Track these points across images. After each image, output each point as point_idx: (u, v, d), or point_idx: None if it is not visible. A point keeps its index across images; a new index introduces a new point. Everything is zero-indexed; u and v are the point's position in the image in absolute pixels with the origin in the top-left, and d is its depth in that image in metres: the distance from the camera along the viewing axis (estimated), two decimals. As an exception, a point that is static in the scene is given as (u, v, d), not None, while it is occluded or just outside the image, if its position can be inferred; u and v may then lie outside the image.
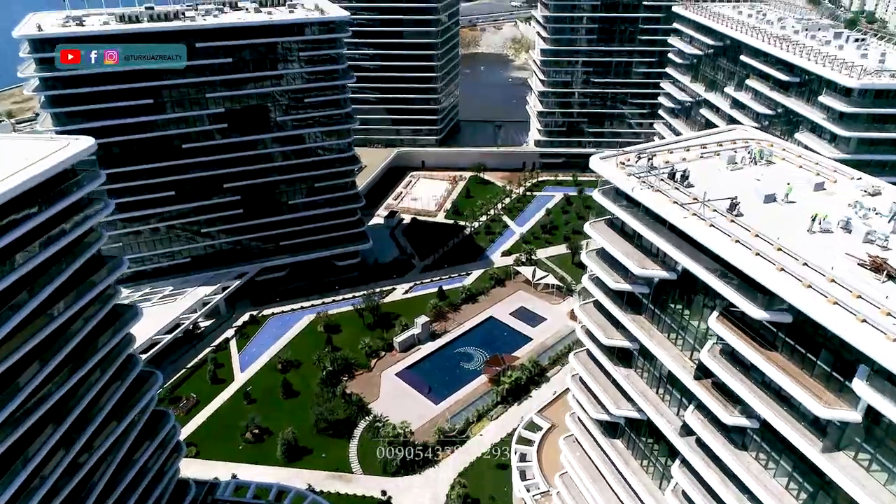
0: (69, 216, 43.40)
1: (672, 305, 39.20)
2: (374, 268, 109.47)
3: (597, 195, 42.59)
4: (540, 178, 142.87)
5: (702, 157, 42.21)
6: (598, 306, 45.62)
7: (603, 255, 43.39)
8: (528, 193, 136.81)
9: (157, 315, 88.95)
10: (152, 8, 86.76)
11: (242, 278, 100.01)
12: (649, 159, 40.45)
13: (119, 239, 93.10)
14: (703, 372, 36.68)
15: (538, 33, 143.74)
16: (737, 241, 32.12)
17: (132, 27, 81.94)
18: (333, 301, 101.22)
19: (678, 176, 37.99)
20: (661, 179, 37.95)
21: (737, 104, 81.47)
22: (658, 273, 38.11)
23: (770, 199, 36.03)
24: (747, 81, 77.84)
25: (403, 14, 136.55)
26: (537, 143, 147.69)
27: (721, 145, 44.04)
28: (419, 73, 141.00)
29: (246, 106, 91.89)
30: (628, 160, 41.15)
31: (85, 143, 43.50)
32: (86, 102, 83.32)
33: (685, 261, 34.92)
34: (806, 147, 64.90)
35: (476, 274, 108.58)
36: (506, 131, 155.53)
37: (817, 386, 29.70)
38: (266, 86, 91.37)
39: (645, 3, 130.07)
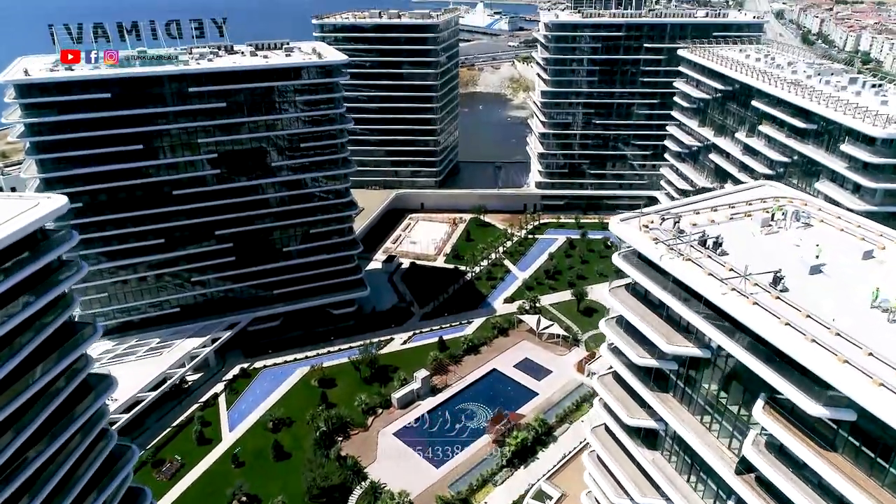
0: (36, 283, 39.37)
1: (706, 386, 35.07)
2: (372, 316, 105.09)
3: (617, 260, 38.80)
4: (542, 221, 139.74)
5: (732, 218, 38.59)
6: (619, 379, 41.45)
7: (625, 324, 39.38)
8: (530, 236, 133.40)
9: (142, 370, 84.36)
10: (145, 52, 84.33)
11: (234, 329, 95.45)
12: (675, 222, 36.80)
13: (105, 288, 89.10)
14: (745, 466, 32.34)
15: (538, 75, 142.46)
16: (787, 324, 28.16)
17: (123, 71, 79.20)
18: (329, 352, 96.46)
19: (710, 243, 34.27)
20: (692, 246, 34.21)
21: (749, 150, 78.61)
22: (690, 351, 34.08)
23: (816, 270, 32.27)
24: (760, 127, 75.09)
25: (403, 56, 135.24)
26: (538, 185, 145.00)
27: (751, 204, 40.48)
28: (418, 115, 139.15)
29: (240, 151, 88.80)
30: (652, 222, 37.50)
31: (56, 202, 39.84)
32: (73, 148, 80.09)
33: (723, 341, 30.96)
34: (827, 198, 61.67)
35: (477, 322, 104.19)
36: (506, 172, 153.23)
37: (889, 498, 25.40)
38: (261, 130, 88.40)
39: (646, 45, 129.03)
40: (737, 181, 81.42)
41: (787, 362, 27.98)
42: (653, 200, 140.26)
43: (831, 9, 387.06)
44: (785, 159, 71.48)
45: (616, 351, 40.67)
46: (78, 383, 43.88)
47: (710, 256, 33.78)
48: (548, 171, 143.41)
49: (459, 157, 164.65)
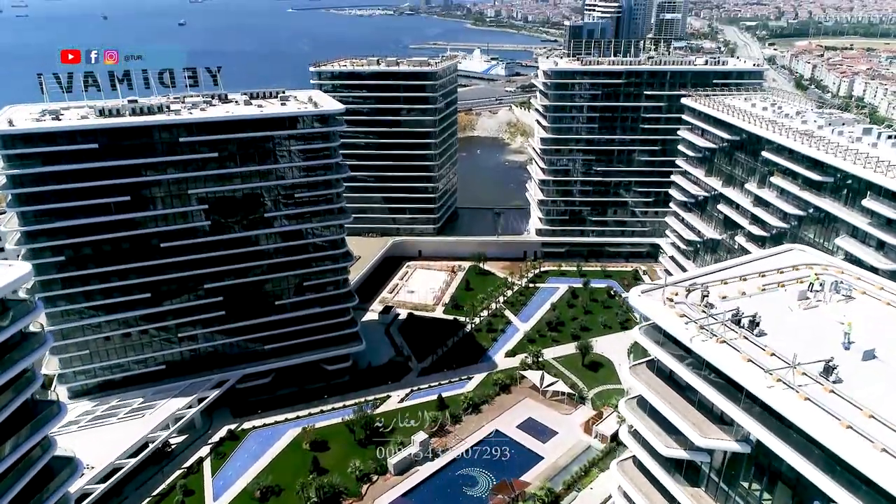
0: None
1: (745, 485, 30.83)
2: (368, 371, 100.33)
3: (638, 335, 35.00)
4: (542, 269, 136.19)
5: (764, 290, 35.02)
6: (641, 467, 37.12)
7: (648, 408, 35.31)
8: (531, 285, 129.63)
9: (122, 433, 79.31)
10: (136, 101, 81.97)
11: (222, 387, 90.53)
12: (703, 295, 33.16)
13: (86, 345, 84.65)
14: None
15: (538, 121, 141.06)
16: (848, 427, 24.23)
17: (111, 122, 76.64)
18: (322, 412, 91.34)
19: (746, 321, 30.58)
20: (725, 325, 30.50)
21: (760, 202, 75.74)
22: (727, 445, 29.99)
23: (870, 355, 28.47)
24: (772, 179, 72.41)
25: (401, 103, 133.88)
26: (539, 232, 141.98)
27: (782, 272, 36.97)
28: (417, 161, 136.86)
29: (232, 201, 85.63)
30: (676, 294, 33.88)
31: (18, 271, 36.03)
32: (57, 200, 76.88)
33: (769, 440, 26.94)
34: (849, 255, 58.37)
35: (478, 378, 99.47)
36: (505, 219, 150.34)
37: None
38: (255, 181, 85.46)
39: (646, 92, 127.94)
40: (748, 233, 78.41)
41: (850, 472, 23.95)
42: (655, 248, 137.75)
43: (822, 55, 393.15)
44: (800, 212, 68.47)
45: (637, 436, 36.50)
46: (39, 470, 39.42)
47: (746, 337, 30.03)
48: (548, 218, 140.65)
49: (458, 202, 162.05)
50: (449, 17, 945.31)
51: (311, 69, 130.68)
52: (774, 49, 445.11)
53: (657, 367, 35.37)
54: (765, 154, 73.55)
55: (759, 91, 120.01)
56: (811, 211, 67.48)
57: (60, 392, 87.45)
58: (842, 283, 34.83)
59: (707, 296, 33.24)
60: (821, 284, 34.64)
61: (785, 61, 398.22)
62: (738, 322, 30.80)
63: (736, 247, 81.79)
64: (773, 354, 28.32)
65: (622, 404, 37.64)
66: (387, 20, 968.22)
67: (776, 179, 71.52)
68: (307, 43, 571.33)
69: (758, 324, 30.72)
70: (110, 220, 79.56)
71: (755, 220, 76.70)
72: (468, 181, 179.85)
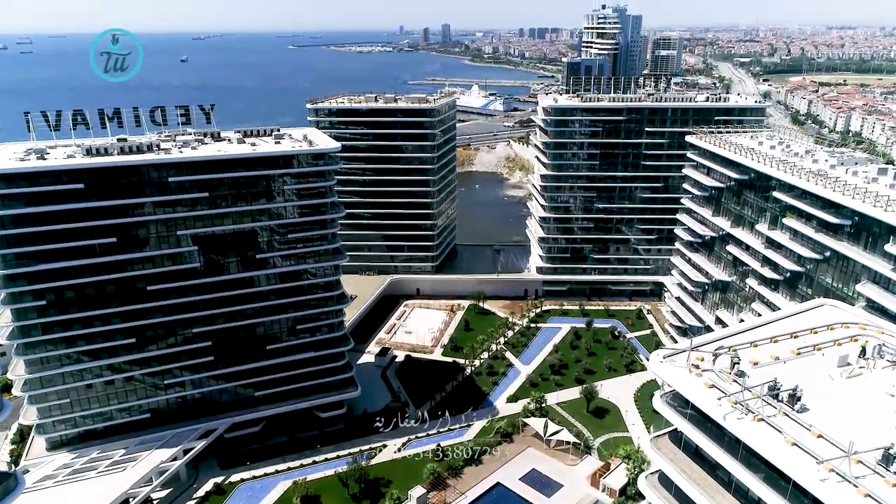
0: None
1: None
2: (363, 418, 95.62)
3: (660, 405, 31.46)
4: (544, 308, 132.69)
5: (799, 353, 31.63)
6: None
7: (674, 489, 31.51)
8: (533, 325, 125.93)
9: (102, 488, 74.47)
10: (125, 139, 79.49)
11: (209, 437, 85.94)
12: (734, 362, 29.73)
13: (67, 393, 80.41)
14: None
15: (537, 158, 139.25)
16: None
17: (98, 161, 73.89)
18: (314, 462, 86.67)
19: (784, 394, 27.13)
20: (762, 398, 27.03)
21: (772, 243, 72.80)
22: (769, 539, 26.18)
23: (933, 439, 24.90)
24: (784, 220, 69.56)
25: (399, 140, 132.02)
26: (539, 270, 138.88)
27: (816, 333, 33.63)
28: (415, 199, 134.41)
29: (223, 243, 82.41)
30: (702, 360, 30.48)
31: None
32: (40, 242, 73.55)
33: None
34: (871, 302, 55.07)
35: (479, 425, 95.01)
36: (505, 256, 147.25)
37: None
38: (246, 221, 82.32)
39: (647, 129, 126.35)
40: (760, 276, 75.24)
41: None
42: (659, 286, 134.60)
43: (817, 90, 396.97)
44: (815, 256, 65.42)
45: (661, 517, 32.63)
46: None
47: (787, 414, 26.54)
48: (549, 255, 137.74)
49: (457, 238, 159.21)
50: (447, 53, 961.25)
51: (308, 106, 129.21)
52: (769, 85, 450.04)
53: (682, 441, 31.75)
54: (776, 194, 70.90)
55: (762, 128, 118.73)
56: (828, 254, 64.47)
57: (38, 444, 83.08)
58: (885, 345, 31.51)
59: (738, 362, 29.85)
60: (862, 349, 31.29)
61: (780, 97, 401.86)
62: (776, 395, 27.37)
63: (747, 289, 78.59)
64: (820, 437, 24.83)
65: (642, 481, 33.87)
66: (386, 56, 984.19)
67: (789, 221, 68.67)
68: (308, 79, 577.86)
69: (798, 397, 27.28)
70: (95, 263, 76.16)
71: (767, 262, 73.65)
72: (467, 216, 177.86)
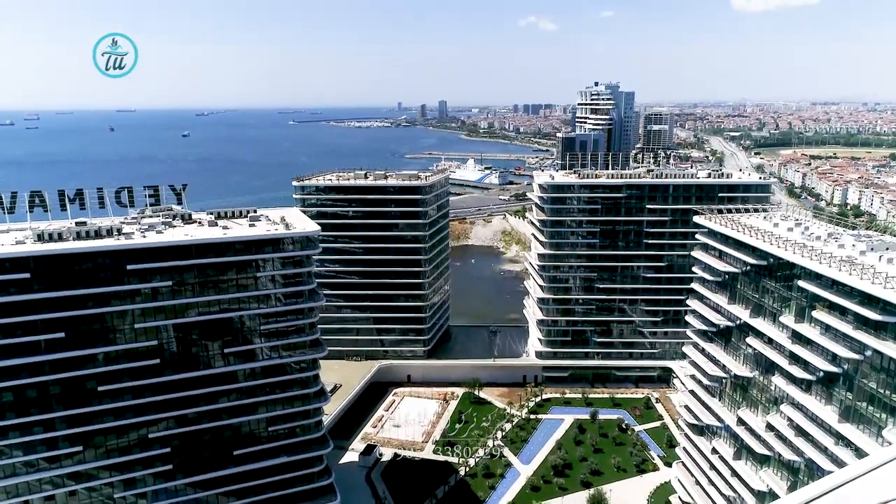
0: None
1: None
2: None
3: None
4: (544, 396, 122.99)
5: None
6: None
7: None
8: (532, 416, 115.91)
9: None
10: (84, 223, 72.56)
11: (163, 562, 74.62)
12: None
13: (-1, 512, 69.71)
14: None
15: (534, 236, 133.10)
16: None
17: (48, 248, 66.53)
18: (283, 591, 75.04)
19: None
20: None
21: (800, 338, 64.76)
22: None
23: None
24: (814, 313, 61.84)
25: (390, 218, 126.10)
26: (539, 355, 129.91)
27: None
28: (406, 279, 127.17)
29: (186, 337, 74.09)
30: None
31: None
32: (-25, 338, 65.18)
33: None
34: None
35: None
36: (502, 338, 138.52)
37: None
38: (214, 312, 74.34)
39: (648, 206, 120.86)
40: (786, 374, 66.75)
41: None
42: (667, 371, 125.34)
43: (809, 163, 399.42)
44: (854, 356, 57.29)
45: None
46: None
47: None
48: (548, 338, 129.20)
49: (451, 318, 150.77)
50: (444, 128, 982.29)
51: (294, 183, 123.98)
52: (761, 158, 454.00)
53: None
54: (802, 284, 63.51)
55: (768, 204, 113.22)
56: (869, 354, 56.40)
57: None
58: None
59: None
60: None
61: (773, 169, 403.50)
62: None
63: (773, 387, 69.87)
64: None
65: None
66: (384, 131, 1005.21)
67: (820, 314, 60.93)
68: (307, 152, 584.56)
69: None
70: (38, 361, 67.47)
71: (795, 358, 65.39)
72: (462, 293, 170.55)
